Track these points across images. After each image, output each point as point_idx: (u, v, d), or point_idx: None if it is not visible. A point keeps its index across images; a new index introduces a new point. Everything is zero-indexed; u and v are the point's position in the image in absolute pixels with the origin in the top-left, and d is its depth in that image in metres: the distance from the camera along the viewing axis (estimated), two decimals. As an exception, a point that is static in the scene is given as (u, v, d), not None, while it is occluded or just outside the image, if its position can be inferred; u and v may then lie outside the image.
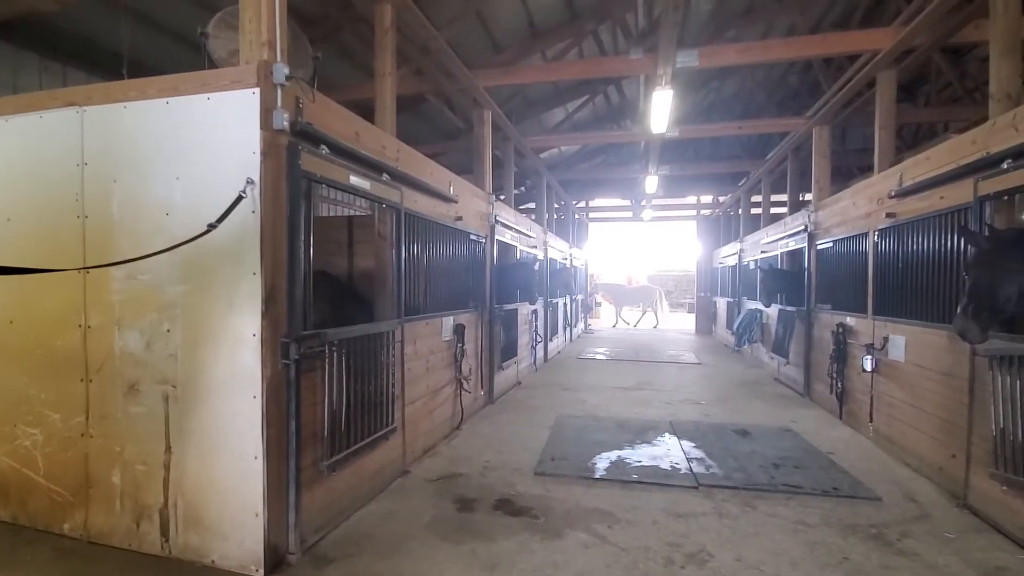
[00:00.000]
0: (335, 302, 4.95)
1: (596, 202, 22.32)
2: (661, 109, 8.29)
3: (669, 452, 5.47)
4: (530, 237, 9.93)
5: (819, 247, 7.98)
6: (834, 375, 6.80)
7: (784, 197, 11.90)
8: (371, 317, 4.73)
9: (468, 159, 8.85)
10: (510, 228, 8.40)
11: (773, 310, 10.19)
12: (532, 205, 15.56)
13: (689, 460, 5.20)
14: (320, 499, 3.59)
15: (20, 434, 3.77)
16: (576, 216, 19.45)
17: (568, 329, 15.22)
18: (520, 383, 9.17)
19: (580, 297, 17.86)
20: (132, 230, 3.38)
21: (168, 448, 3.36)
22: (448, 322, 5.91)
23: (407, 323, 4.80)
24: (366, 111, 4.67)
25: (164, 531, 3.39)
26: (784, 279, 9.84)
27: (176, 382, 3.32)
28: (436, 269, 5.64)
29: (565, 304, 14.42)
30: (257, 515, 3.15)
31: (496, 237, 7.64)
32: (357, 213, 6.29)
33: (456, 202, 5.95)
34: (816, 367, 7.86)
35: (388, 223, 4.56)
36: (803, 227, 8.42)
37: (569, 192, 17.59)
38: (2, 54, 5.91)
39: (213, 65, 3.25)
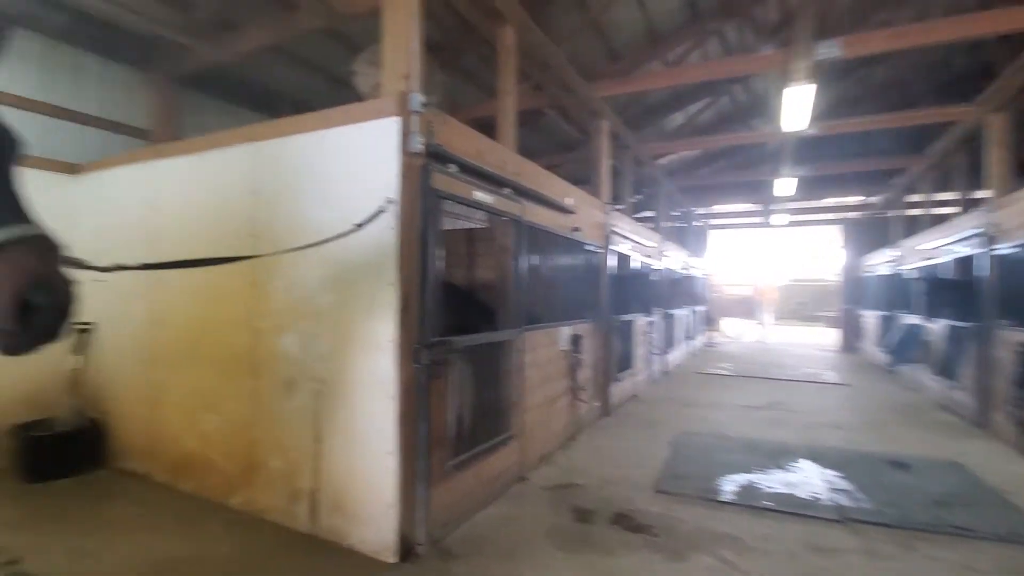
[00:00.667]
0: (458, 312, 5.23)
1: (719, 208, 21.09)
2: (798, 106, 7.65)
3: (807, 480, 4.99)
4: (647, 247, 9.68)
5: (998, 252, 6.82)
6: (1016, 403, 5.75)
7: (948, 196, 10.31)
8: (491, 326, 4.92)
9: (585, 170, 8.87)
10: (627, 238, 8.26)
11: (938, 325, 8.87)
12: (651, 213, 15.10)
13: (832, 490, 4.70)
14: (445, 498, 3.80)
15: (203, 420, 4.47)
16: (697, 223, 18.56)
17: (688, 342, 14.53)
18: (637, 396, 8.93)
19: (701, 308, 16.96)
20: (292, 247, 3.87)
21: (317, 439, 3.78)
22: (565, 332, 5.96)
23: (527, 332, 4.93)
24: (486, 128, 4.91)
25: (312, 512, 3.81)
26: (951, 290, 8.53)
27: (325, 380, 3.73)
28: (554, 279, 5.73)
29: (684, 316, 13.80)
30: (391, 506, 3.42)
31: (612, 247, 7.56)
32: (477, 226, 6.61)
33: (573, 213, 6.00)
34: (993, 393, 6.69)
35: (509, 235, 4.73)
36: (977, 230, 7.25)
37: (689, 199, 16.83)
38: (192, 102, 7.10)
39: (359, 98, 3.64)
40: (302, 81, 7.07)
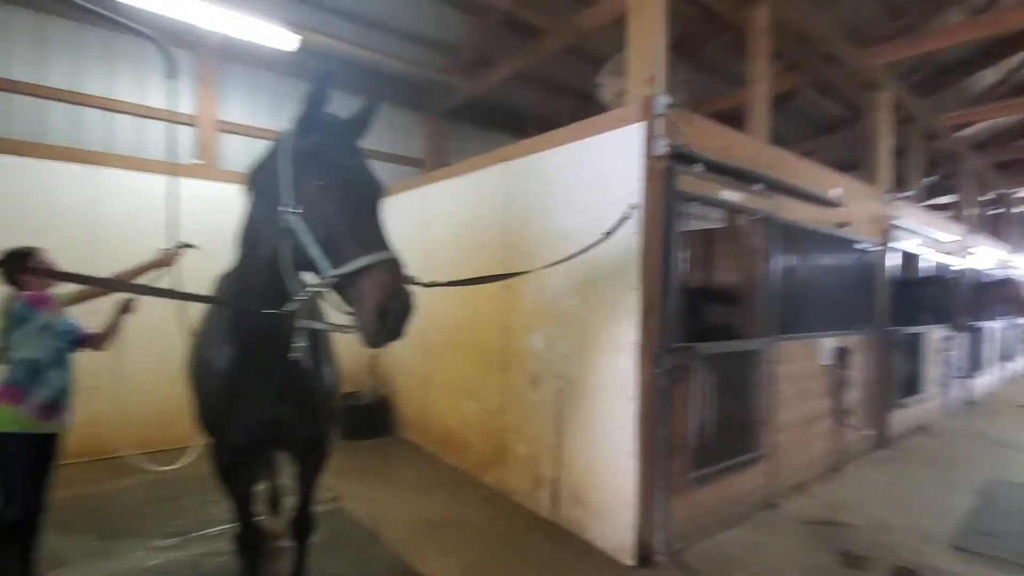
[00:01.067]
0: (696, 317, 4.97)
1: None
2: None
3: None
4: (944, 242, 7.75)
5: None
6: None
7: None
8: (737, 334, 4.55)
9: (853, 153, 7.54)
10: (914, 232, 6.74)
11: None
12: (950, 199, 12.06)
13: None
14: (685, 509, 3.65)
15: (463, 405, 5.15)
16: (1020, 209, 14.13)
17: (1004, 363, 11.17)
18: (926, 428, 7.22)
19: (1026, 321, 12.84)
20: (540, 254, 4.19)
21: (559, 432, 4.01)
22: (828, 344, 5.15)
23: (779, 342, 4.42)
24: (731, 120, 4.55)
25: (554, 500, 4.05)
26: None
27: (567, 378, 3.94)
28: (814, 283, 5.00)
29: (999, 330, 10.64)
30: (629, 508, 3.43)
31: (893, 244, 6.26)
32: (716, 225, 6.17)
33: (840, 206, 5.16)
34: None
35: (759, 234, 4.31)
36: None
37: (1007, 178, 12.92)
38: (454, 132, 8.25)
39: (602, 110, 3.75)
40: (546, 101, 7.61)
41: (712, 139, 3.80)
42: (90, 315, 3.07)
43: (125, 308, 3.12)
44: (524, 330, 4.36)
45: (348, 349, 2.77)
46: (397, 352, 6.25)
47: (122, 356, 3.18)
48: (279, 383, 2.29)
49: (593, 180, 3.74)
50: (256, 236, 2.05)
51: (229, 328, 2.27)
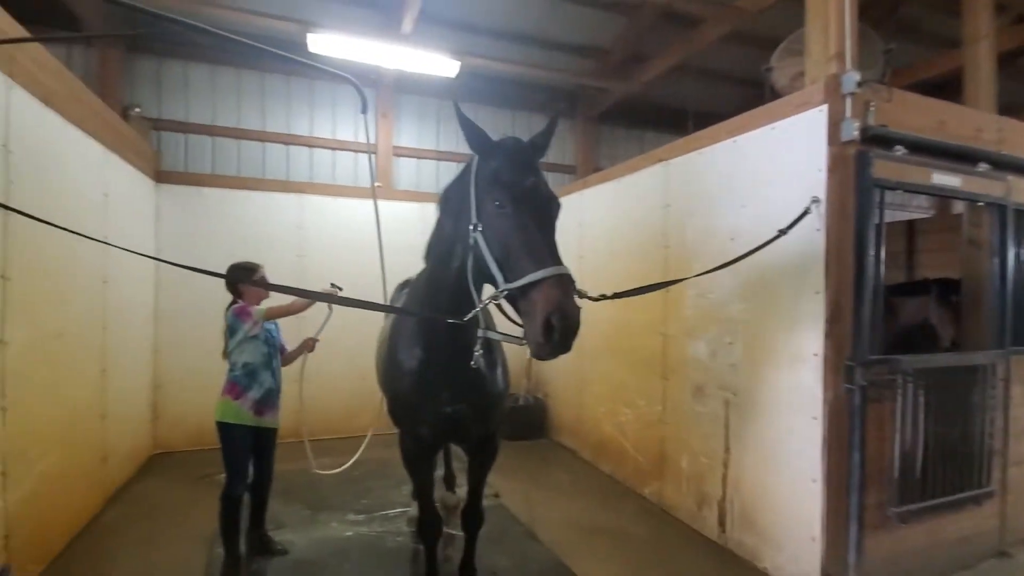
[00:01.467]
0: (897, 323, 4.27)
1: None
2: None
3: None
4: None
5: None
6: None
7: None
8: (947, 345, 3.80)
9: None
10: None
11: None
12: None
13: None
14: (885, 549, 3.13)
15: (619, 412, 5.04)
16: None
17: None
18: None
19: None
20: (702, 255, 3.95)
21: (727, 448, 3.72)
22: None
23: (1014, 356, 3.59)
24: (940, 90, 3.83)
25: (721, 522, 3.76)
26: None
27: (736, 390, 3.64)
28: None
29: None
30: (814, 540, 3.05)
31: None
32: (918, 216, 5.26)
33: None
34: None
35: (985, 224, 3.56)
36: None
37: None
38: (605, 135, 8.19)
39: (775, 97, 3.42)
40: (706, 94, 7.15)
41: (917, 115, 3.24)
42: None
43: (309, 347, 3.55)
44: (685, 336, 4.14)
45: (508, 352, 2.88)
46: (550, 357, 6.35)
47: (323, 355, 3.68)
48: (460, 384, 2.50)
49: (766, 174, 3.42)
50: (445, 251, 2.26)
51: (419, 334, 2.54)
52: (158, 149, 5.91)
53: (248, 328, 3.20)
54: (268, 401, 3.29)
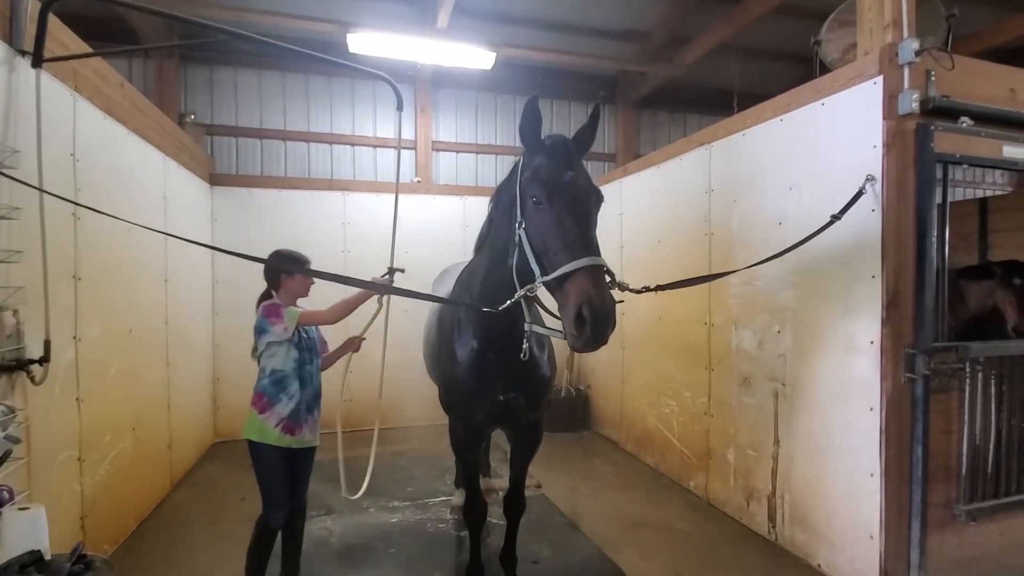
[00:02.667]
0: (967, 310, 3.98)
1: None
2: None
3: None
4: None
5: None
6: None
7: None
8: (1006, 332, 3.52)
9: None
10: None
11: None
12: None
13: None
14: (952, 549, 2.94)
15: (663, 403, 4.94)
16: None
17: None
18: None
19: None
20: (747, 242, 3.81)
21: (776, 441, 3.58)
22: None
23: (1101, 345, 3.29)
24: (1011, 57, 3.52)
25: (771, 517, 3.63)
26: None
27: (785, 381, 3.50)
28: None
29: None
30: (872, 538, 2.90)
31: None
32: (992, 193, 4.88)
33: None
34: None
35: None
36: None
37: None
38: (645, 120, 7.98)
39: (825, 72, 3.24)
40: (751, 72, 6.83)
41: (985, 83, 2.99)
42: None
43: (355, 347, 3.01)
44: (730, 326, 4.00)
45: (552, 344, 2.88)
46: (593, 348, 6.29)
47: (365, 345, 3.57)
48: (513, 373, 2.56)
49: (815, 153, 3.25)
50: (500, 248, 2.30)
51: (476, 326, 2.60)
52: (211, 153, 6.21)
53: (277, 332, 2.63)
54: (300, 416, 2.69)
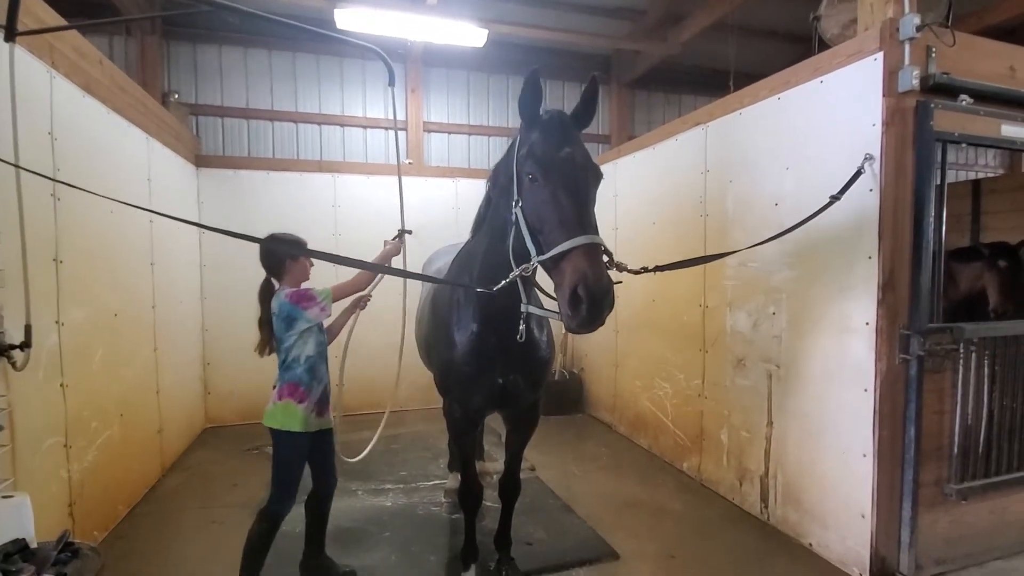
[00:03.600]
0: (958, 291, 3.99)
1: None
2: None
3: None
4: None
5: None
6: None
7: None
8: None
9: None
10: None
11: None
12: None
13: None
14: (942, 527, 2.98)
15: (656, 386, 4.94)
16: None
17: None
18: None
19: None
20: (743, 223, 3.77)
21: (770, 422, 3.59)
22: None
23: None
24: (1008, 35, 3.47)
25: (763, 498, 3.66)
26: None
27: (779, 362, 3.49)
28: None
29: None
30: (863, 517, 2.92)
31: None
32: (985, 175, 4.88)
33: None
34: None
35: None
36: None
37: None
38: (638, 101, 7.89)
39: (825, 49, 3.18)
40: (748, 51, 6.73)
41: (984, 61, 2.95)
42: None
43: (362, 305, 2.98)
44: (725, 308, 3.99)
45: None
46: (586, 332, 6.27)
47: (361, 329, 3.54)
48: (512, 355, 2.52)
49: (813, 132, 3.21)
50: (499, 227, 2.24)
51: (474, 307, 2.54)
52: (196, 134, 6.06)
53: (314, 315, 2.58)
54: (327, 398, 2.73)
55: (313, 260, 2.61)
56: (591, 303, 1.70)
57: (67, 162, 3.05)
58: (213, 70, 6.19)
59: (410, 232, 2.98)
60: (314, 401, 2.62)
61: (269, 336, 2.64)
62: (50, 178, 2.49)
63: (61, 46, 3.08)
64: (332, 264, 2.23)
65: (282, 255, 2.61)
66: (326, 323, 2.80)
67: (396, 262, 2.91)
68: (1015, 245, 4.35)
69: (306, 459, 2.67)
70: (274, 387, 2.64)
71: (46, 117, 2.89)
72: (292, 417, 2.56)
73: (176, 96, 5.89)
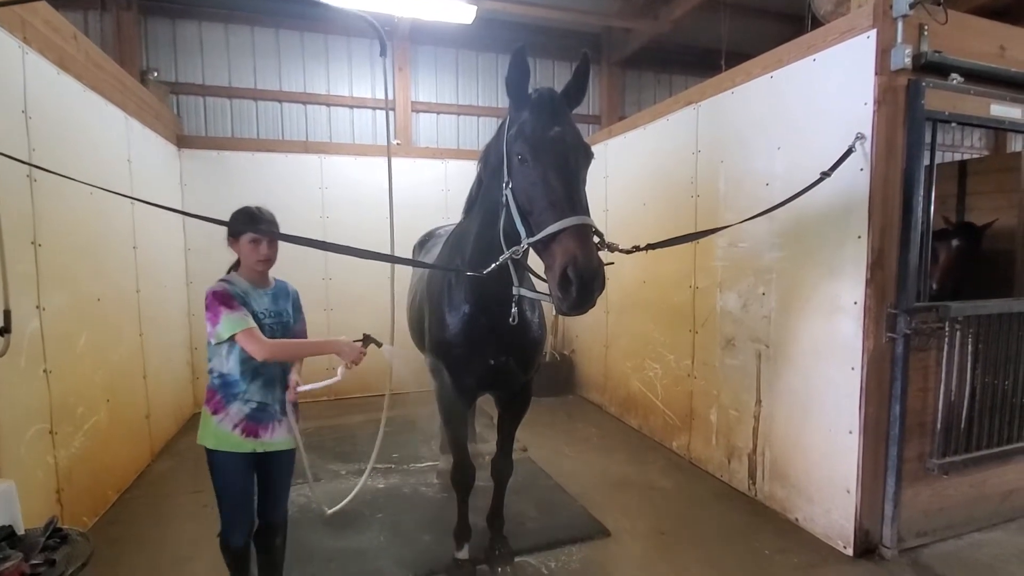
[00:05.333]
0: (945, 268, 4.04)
1: None
2: None
3: None
4: None
5: None
6: None
7: None
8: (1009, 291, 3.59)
9: None
10: None
11: None
12: None
13: None
14: (924, 501, 3.06)
15: (646, 367, 4.98)
16: None
17: None
18: None
19: None
20: (734, 203, 3.77)
21: (758, 401, 3.64)
22: None
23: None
24: (997, 16, 3.46)
25: (751, 475, 3.72)
26: None
27: (768, 342, 3.53)
28: None
29: None
30: (848, 492, 2.99)
31: None
32: (971, 156, 4.91)
33: None
34: None
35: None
36: None
37: None
38: (629, 81, 7.81)
39: (818, 26, 3.15)
40: (740, 30, 6.65)
41: (975, 39, 2.94)
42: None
43: (348, 365, 2.22)
44: (715, 288, 4.00)
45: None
46: (576, 313, 6.28)
47: (348, 317, 3.51)
48: (504, 337, 2.50)
49: (805, 111, 3.19)
50: (490, 210, 2.21)
51: (467, 290, 2.52)
52: (177, 114, 5.90)
53: (208, 330, 2.15)
54: (267, 417, 2.22)
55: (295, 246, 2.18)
56: (581, 285, 1.68)
57: (43, 142, 2.95)
58: (193, 47, 6.01)
59: (379, 345, 2.31)
60: (234, 418, 2.16)
61: None
62: (24, 162, 2.40)
63: (33, 20, 2.96)
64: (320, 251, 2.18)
65: (233, 231, 2.18)
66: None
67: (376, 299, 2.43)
68: (981, 227, 4.40)
69: (243, 480, 2.23)
70: None
71: (19, 95, 2.79)
72: (205, 428, 2.21)
73: (155, 74, 5.71)
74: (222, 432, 2.18)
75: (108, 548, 3.04)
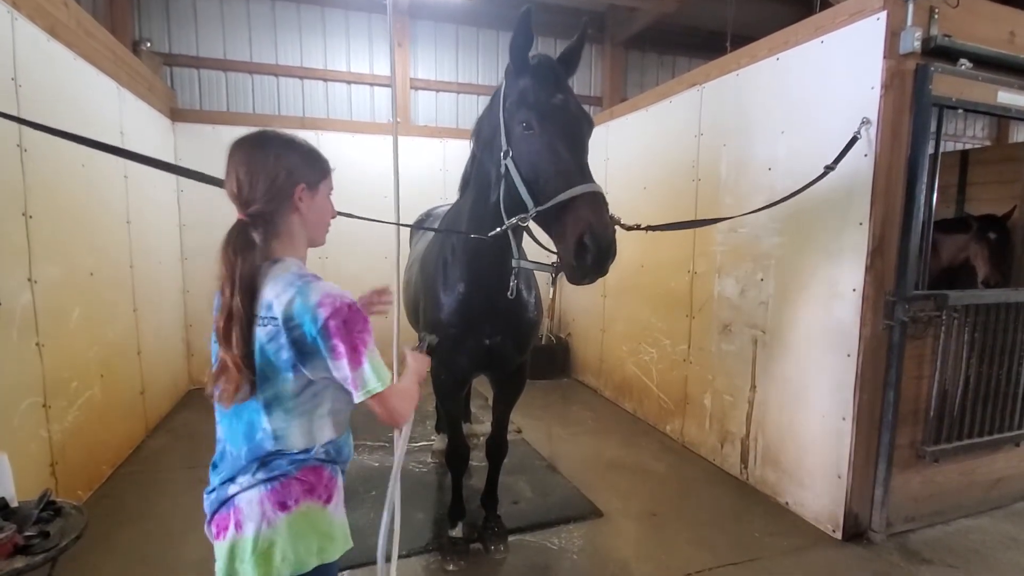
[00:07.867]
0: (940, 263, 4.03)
1: None
2: None
3: None
4: None
5: None
6: None
7: None
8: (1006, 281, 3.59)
9: None
10: None
11: None
12: None
13: None
14: (915, 487, 3.09)
15: (642, 351, 4.99)
16: None
17: None
18: None
19: None
20: (736, 188, 3.74)
21: (753, 387, 3.66)
22: None
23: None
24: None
25: (743, 459, 3.75)
26: None
27: (765, 328, 3.53)
28: None
29: None
30: (840, 477, 3.02)
31: None
32: (972, 146, 4.88)
33: None
34: None
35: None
36: None
37: None
38: (632, 62, 7.70)
39: (826, 7, 3.09)
40: (747, 11, 6.54)
41: (984, 24, 2.89)
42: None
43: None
44: (713, 274, 3.99)
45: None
46: (575, 295, 6.30)
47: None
48: (500, 316, 2.49)
49: (810, 95, 3.14)
50: (484, 184, 2.18)
51: (461, 267, 2.48)
52: (171, 86, 5.79)
53: (351, 380, 1.24)
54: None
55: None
56: (597, 252, 1.67)
57: (33, 111, 2.88)
58: (187, 17, 5.87)
59: (433, 342, 1.96)
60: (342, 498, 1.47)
61: (247, 354, 1.25)
62: (15, 118, 2.31)
63: (21, -16, 2.87)
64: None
65: (293, 180, 1.38)
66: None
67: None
68: (1002, 216, 4.40)
69: None
70: (229, 486, 1.38)
71: (8, 62, 2.72)
72: (315, 533, 1.33)
73: (148, 45, 5.58)
74: (342, 524, 1.45)
75: (102, 521, 3.04)
